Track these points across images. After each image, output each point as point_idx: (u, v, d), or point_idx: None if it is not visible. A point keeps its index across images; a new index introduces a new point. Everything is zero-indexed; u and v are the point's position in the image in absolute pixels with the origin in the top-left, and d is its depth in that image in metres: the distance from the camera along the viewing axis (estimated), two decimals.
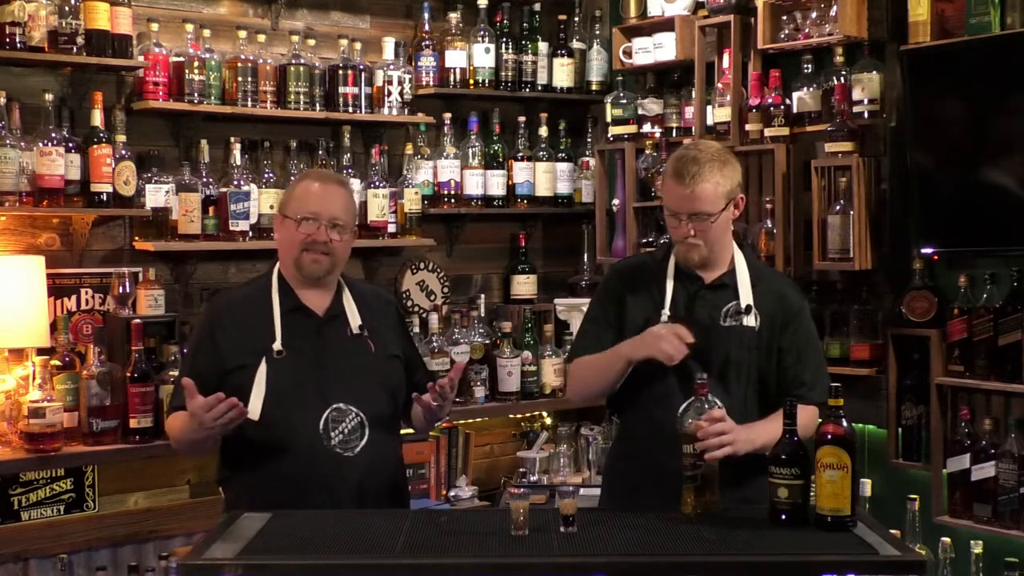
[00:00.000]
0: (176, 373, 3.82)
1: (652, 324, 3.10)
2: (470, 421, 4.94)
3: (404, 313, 4.62)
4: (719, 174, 3.04)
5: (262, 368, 3.03)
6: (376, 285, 4.72)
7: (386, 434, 3.15)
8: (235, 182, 4.40)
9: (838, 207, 4.23)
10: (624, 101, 5.03)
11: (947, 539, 3.28)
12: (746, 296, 3.11)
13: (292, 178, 4.37)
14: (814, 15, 4.38)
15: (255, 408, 3.02)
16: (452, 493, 4.78)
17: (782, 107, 4.45)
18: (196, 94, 4.33)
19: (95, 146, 4.05)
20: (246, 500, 3.01)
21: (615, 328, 3.19)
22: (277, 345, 3.05)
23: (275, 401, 3.03)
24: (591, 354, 3.22)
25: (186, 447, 3.14)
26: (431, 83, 4.95)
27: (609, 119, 5.08)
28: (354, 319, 3.16)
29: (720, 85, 4.65)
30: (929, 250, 4.13)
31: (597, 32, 5.27)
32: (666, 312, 3.10)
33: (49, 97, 4.02)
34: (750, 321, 3.09)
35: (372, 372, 3.14)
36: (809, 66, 4.44)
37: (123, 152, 4.14)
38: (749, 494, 3.00)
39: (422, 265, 5.08)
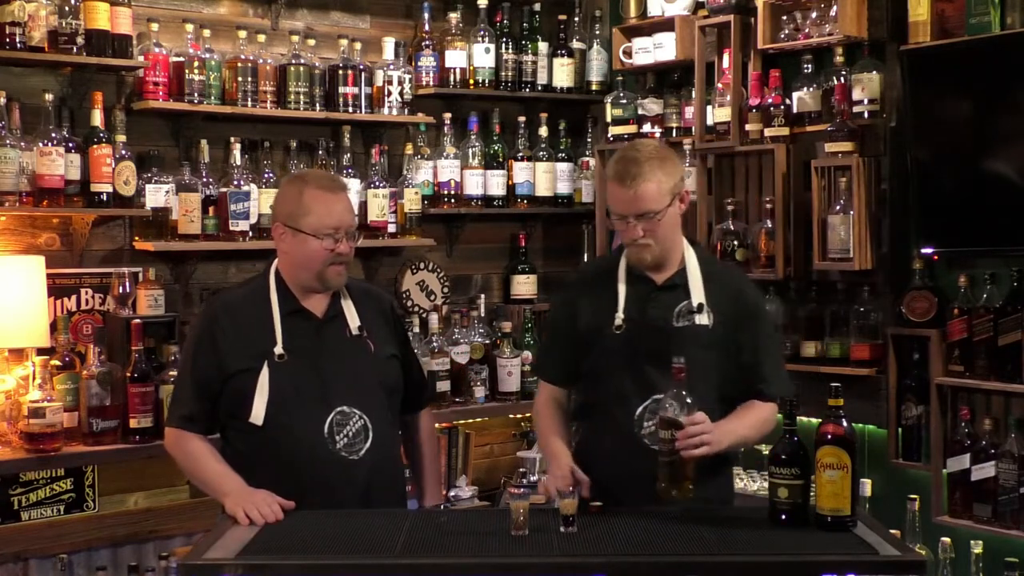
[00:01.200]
0: (175, 373, 3.82)
1: (607, 330, 3.10)
2: (470, 421, 4.93)
3: (400, 310, 4.63)
4: (660, 171, 3.01)
5: (264, 372, 3.02)
6: (371, 284, 4.73)
7: (388, 435, 3.14)
8: (235, 182, 4.40)
9: (838, 207, 4.23)
10: (624, 101, 5.03)
11: (947, 539, 3.28)
12: (697, 295, 3.09)
13: None
14: (814, 15, 4.38)
15: (259, 413, 3.01)
16: (452, 493, 4.78)
17: (782, 107, 4.45)
18: (196, 94, 4.33)
19: (95, 146, 4.05)
20: None
21: (574, 340, 3.18)
22: (279, 348, 3.04)
23: (278, 405, 3.02)
24: (551, 377, 3.29)
25: (187, 474, 3.21)
26: (431, 83, 4.95)
27: (609, 119, 5.08)
28: (353, 320, 3.14)
29: (720, 85, 4.65)
30: (929, 250, 4.13)
31: (597, 32, 5.27)
32: (620, 315, 3.08)
33: (49, 97, 4.02)
34: (703, 320, 3.08)
35: (373, 373, 3.13)
36: (809, 66, 4.44)
37: (123, 152, 4.14)
38: (711, 493, 3.02)
39: (422, 265, 5.08)
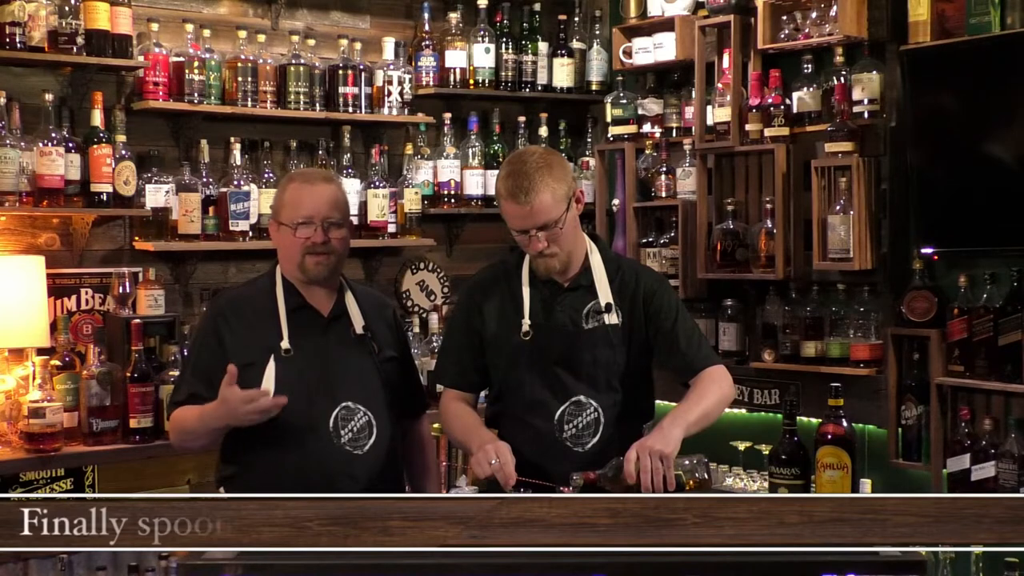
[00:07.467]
0: (176, 373, 3.82)
1: (515, 337, 3.07)
2: None
3: (402, 315, 4.63)
4: (551, 179, 2.95)
5: (270, 366, 3.02)
6: (374, 286, 4.73)
7: (391, 433, 3.16)
8: (235, 182, 4.40)
9: (838, 207, 4.23)
10: (624, 101, 5.03)
11: None
12: (604, 294, 3.06)
13: None
14: (814, 15, 4.38)
15: None
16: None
17: (782, 107, 4.45)
18: (196, 94, 4.33)
19: (95, 146, 4.05)
20: None
21: (478, 345, 3.15)
22: (285, 344, 3.05)
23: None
24: (454, 382, 3.21)
25: (191, 440, 3.10)
26: (431, 83, 4.95)
27: (609, 119, 5.08)
28: (357, 320, 3.16)
29: (720, 85, 4.65)
30: (929, 250, 4.13)
31: (597, 32, 5.27)
32: (526, 322, 3.05)
33: (49, 97, 4.02)
34: (612, 319, 3.05)
35: (377, 373, 3.15)
36: (809, 66, 4.44)
37: (123, 152, 4.14)
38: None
39: (422, 265, 5.08)
